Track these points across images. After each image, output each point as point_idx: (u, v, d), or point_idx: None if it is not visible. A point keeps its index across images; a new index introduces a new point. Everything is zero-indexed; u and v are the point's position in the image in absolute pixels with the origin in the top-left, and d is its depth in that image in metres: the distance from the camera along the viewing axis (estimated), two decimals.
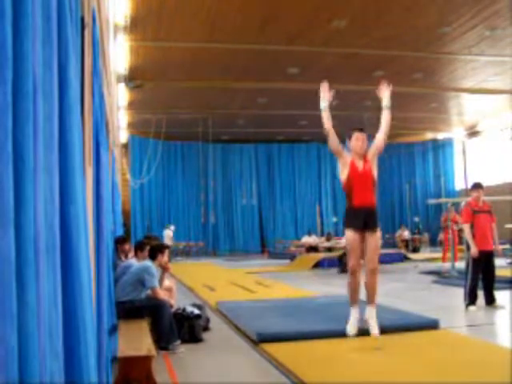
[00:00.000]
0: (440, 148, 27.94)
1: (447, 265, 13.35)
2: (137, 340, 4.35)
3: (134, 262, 6.12)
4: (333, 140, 5.41)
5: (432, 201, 17.82)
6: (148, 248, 6.11)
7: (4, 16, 1.05)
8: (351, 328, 5.37)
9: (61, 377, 1.33)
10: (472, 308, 7.32)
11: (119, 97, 15.03)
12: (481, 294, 7.52)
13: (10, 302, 1.01)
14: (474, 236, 7.46)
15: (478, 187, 7.68)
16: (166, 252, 6.06)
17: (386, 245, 22.01)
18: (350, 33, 12.94)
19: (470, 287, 7.37)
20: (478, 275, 7.47)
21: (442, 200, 18.49)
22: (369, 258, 5.44)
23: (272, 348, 5.10)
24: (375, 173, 5.53)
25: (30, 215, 1.15)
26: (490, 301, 7.44)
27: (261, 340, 5.36)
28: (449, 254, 13.75)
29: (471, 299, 7.38)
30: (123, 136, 21.47)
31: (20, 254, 1.11)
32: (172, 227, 22.50)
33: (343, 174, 5.43)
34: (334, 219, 27.66)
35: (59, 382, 1.31)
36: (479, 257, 7.37)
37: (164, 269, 6.10)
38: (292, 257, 19.05)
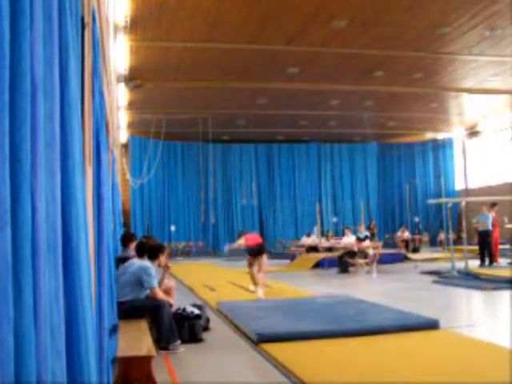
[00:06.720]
0: (440, 148, 27.92)
1: (501, 261, 14.23)
2: (137, 340, 4.34)
3: (134, 262, 6.12)
4: None
5: (432, 201, 17.82)
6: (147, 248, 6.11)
7: (1, 15, 1.05)
8: None
9: (63, 376, 1.33)
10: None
11: (119, 97, 15.01)
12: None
13: (6, 302, 1.01)
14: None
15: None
16: (166, 252, 6.08)
17: (386, 245, 22.00)
18: (350, 33, 12.93)
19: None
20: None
21: (442, 200, 18.44)
22: None
23: (272, 348, 5.10)
24: None
25: (28, 216, 1.15)
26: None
27: (261, 340, 5.36)
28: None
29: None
30: (123, 136, 21.45)
31: (16, 254, 1.11)
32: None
33: None
34: (334, 219, 27.64)
35: (61, 382, 1.31)
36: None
37: (164, 269, 6.11)
38: (292, 257, 19.06)
